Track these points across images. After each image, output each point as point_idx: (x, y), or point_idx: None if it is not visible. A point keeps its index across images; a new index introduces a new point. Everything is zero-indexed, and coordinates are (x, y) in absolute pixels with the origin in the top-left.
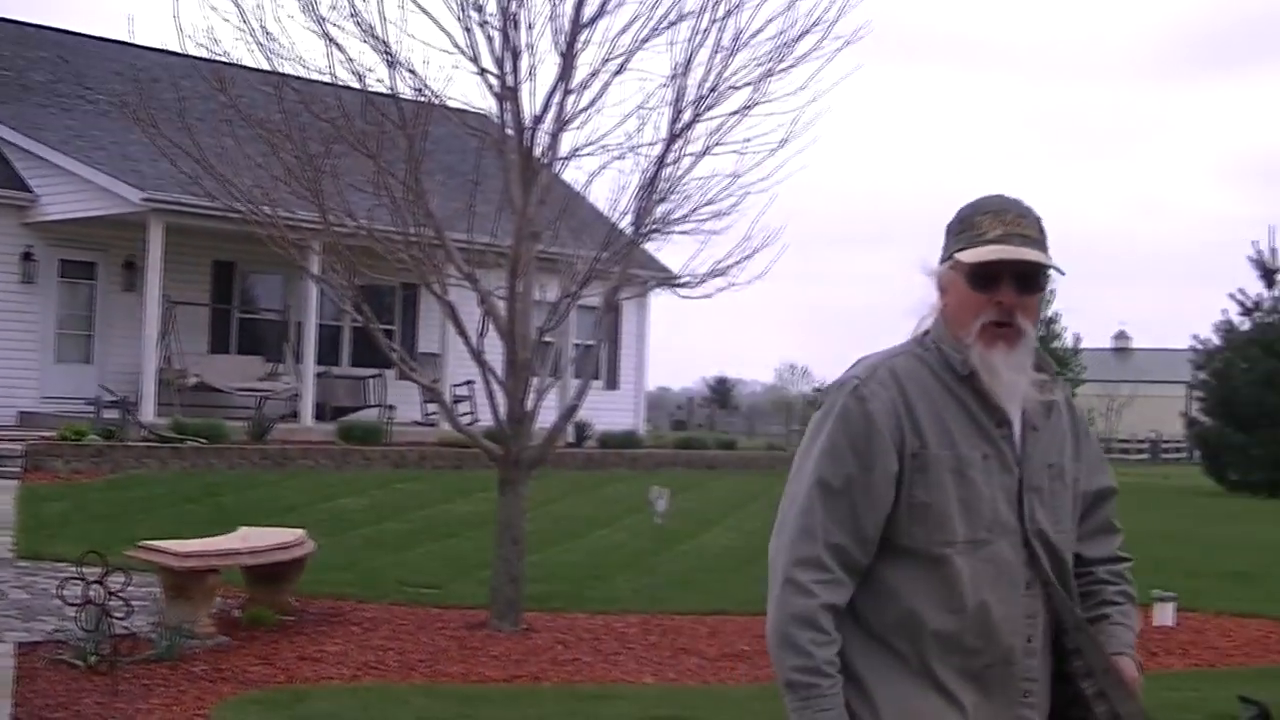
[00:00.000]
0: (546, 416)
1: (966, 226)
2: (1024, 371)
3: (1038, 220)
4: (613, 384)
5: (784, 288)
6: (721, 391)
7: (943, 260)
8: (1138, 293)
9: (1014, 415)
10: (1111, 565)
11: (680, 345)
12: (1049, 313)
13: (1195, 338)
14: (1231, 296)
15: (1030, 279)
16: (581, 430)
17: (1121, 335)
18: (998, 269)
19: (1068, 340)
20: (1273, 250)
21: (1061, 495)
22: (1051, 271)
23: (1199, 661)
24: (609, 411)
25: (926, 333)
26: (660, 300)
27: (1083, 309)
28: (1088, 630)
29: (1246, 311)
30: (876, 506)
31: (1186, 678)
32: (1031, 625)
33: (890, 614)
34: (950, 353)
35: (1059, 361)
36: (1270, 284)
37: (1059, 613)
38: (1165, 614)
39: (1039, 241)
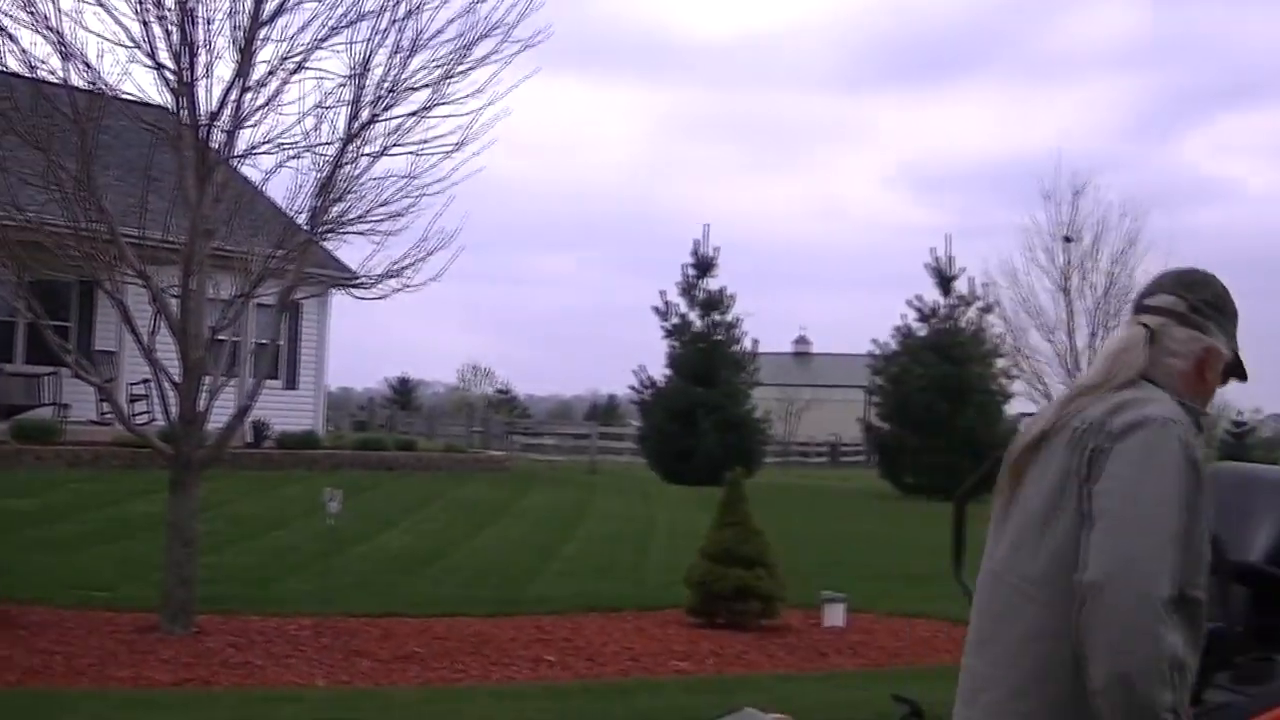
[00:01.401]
0: (225, 416)
1: (1234, 320)
2: None
3: None
4: (292, 384)
5: (470, 289)
6: (403, 392)
7: (1219, 339)
8: (819, 298)
9: None
10: None
11: (365, 345)
12: (729, 317)
13: (874, 342)
14: (909, 303)
15: None
16: (260, 430)
17: (802, 340)
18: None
19: (746, 344)
20: (949, 258)
21: None
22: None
23: (868, 661)
24: (288, 412)
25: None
26: (343, 300)
27: (762, 313)
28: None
29: (924, 318)
30: (1198, 559)
31: (855, 677)
32: None
33: None
34: (1197, 416)
35: (737, 365)
36: (946, 291)
37: None
38: (836, 615)
39: None
